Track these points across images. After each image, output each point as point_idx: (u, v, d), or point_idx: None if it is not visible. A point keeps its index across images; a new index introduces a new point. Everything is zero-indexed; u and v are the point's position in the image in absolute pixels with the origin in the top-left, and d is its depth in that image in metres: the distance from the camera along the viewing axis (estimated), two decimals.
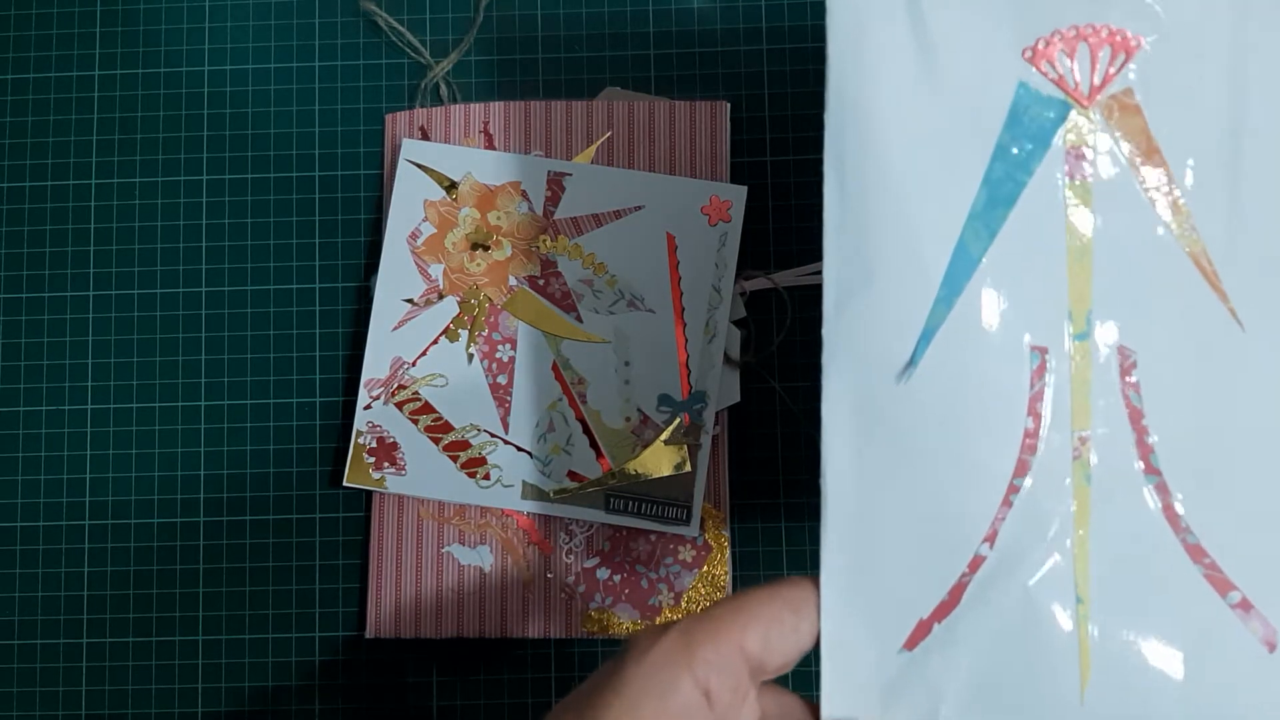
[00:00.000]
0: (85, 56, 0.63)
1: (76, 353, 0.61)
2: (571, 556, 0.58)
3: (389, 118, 0.61)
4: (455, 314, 0.59)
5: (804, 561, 0.58)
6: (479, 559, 0.58)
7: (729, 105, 0.60)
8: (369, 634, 0.58)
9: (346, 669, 0.58)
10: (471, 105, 0.61)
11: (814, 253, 0.60)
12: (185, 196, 0.62)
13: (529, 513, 0.58)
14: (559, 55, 0.62)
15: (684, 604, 0.57)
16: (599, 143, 0.60)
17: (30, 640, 0.59)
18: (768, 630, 0.36)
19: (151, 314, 0.61)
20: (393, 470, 0.58)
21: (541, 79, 0.62)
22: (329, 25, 0.62)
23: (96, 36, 0.63)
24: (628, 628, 0.57)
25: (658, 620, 0.57)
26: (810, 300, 0.59)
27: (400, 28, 0.61)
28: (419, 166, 0.60)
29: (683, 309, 0.59)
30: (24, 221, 0.62)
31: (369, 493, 0.59)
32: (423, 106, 0.61)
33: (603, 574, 0.58)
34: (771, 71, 0.61)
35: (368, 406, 0.59)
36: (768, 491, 0.59)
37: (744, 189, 0.59)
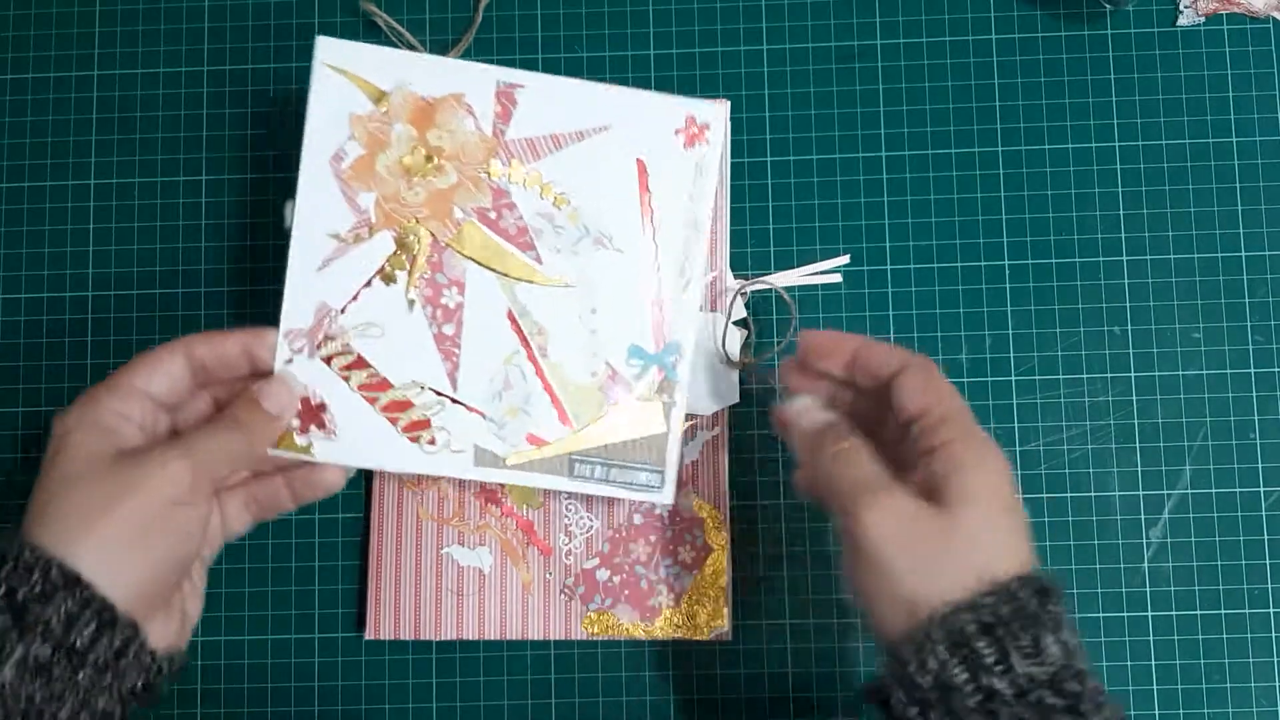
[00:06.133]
0: (85, 56, 0.63)
1: (76, 353, 0.60)
2: (571, 558, 0.58)
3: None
4: (391, 252, 0.52)
5: (804, 562, 0.58)
6: (478, 560, 0.58)
7: (729, 105, 0.60)
8: (369, 635, 0.58)
9: (346, 669, 0.58)
10: None
11: (814, 253, 0.60)
12: (185, 197, 0.61)
13: (490, 485, 0.53)
14: (559, 55, 0.62)
15: (683, 605, 0.57)
16: None
17: None
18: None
19: (151, 314, 0.61)
20: (321, 435, 0.52)
21: None
22: (329, 25, 0.62)
23: (96, 36, 0.63)
24: (628, 629, 0.57)
25: (658, 622, 0.57)
26: (810, 300, 0.59)
27: (400, 28, 0.61)
28: (340, 72, 0.51)
29: (656, 248, 0.52)
30: (24, 222, 0.61)
31: (369, 494, 0.59)
32: None
33: (602, 575, 0.58)
34: (771, 71, 0.61)
35: (289, 361, 0.51)
36: (768, 492, 0.59)
37: (726, 104, 0.52)
